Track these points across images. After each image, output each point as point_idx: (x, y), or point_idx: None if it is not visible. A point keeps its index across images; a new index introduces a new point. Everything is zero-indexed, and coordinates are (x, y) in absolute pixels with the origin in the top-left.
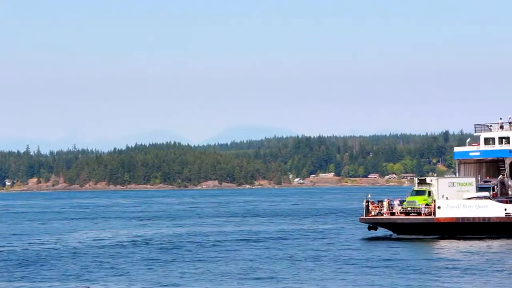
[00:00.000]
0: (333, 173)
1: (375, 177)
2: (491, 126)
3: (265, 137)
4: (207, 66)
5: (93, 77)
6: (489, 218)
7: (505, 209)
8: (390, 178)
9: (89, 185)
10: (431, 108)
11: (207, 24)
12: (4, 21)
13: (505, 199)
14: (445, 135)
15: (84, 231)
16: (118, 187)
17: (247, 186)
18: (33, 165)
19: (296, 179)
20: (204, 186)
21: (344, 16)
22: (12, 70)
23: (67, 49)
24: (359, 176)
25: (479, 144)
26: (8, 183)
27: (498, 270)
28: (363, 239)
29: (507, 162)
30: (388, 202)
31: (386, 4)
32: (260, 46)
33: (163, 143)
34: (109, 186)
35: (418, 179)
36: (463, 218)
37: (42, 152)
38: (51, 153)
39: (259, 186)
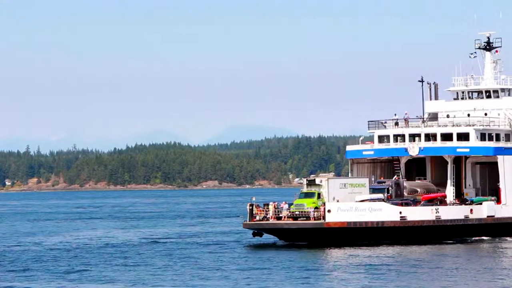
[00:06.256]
0: (333, 173)
1: None
2: (385, 123)
3: (265, 137)
4: (207, 66)
5: (93, 77)
6: (383, 222)
7: (400, 213)
8: None
9: (89, 185)
10: None
11: (207, 24)
12: (4, 21)
13: (400, 202)
14: None
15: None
16: (118, 187)
17: (247, 186)
18: (33, 165)
19: (296, 179)
20: (204, 186)
21: (345, 15)
22: (12, 70)
23: (67, 49)
24: None
25: (373, 143)
26: (8, 183)
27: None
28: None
29: (403, 161)
30: (275, 205)
31: (387, 4)
32: (260, 46)
33: (163, 143)
34: (109, 186)
35: (306, 179)
36: (355, 223)
37: (42, 152)
38: (51, 153)
39: (259, 186)
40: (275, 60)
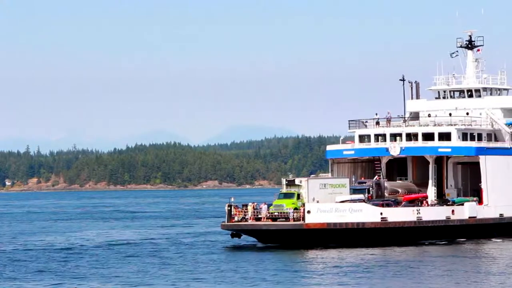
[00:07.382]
0: None
1: None
2: (366, 122)
3: (265, 137)
4: (207, 66)
5: (92, 77)
6: (363, 223)
7: (381, 213)
8: None
9: (89, 185)
10: None
11: (207, 24)
12: (4, 21)
13: (381, 202)
14: None
15: None
16: (118, 187)
17: (247, 186)
18: (33, 165)
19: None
20: (204, 186)
21: (345, 15)
22: (12, 70)
23: (67, 49)
24: None
25: (353, 142)
26: (8, 183)
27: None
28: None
29: (384, 161)
30: (254, 206)
31: (387, 4)
32: (260, 46)
33: (163, 143)
34: (109, 186)
35: (286, 180)
36: (335, 224)
37: (42, 152)
38: (51, 153)
39: (259, 186)
40: (275, 60)
